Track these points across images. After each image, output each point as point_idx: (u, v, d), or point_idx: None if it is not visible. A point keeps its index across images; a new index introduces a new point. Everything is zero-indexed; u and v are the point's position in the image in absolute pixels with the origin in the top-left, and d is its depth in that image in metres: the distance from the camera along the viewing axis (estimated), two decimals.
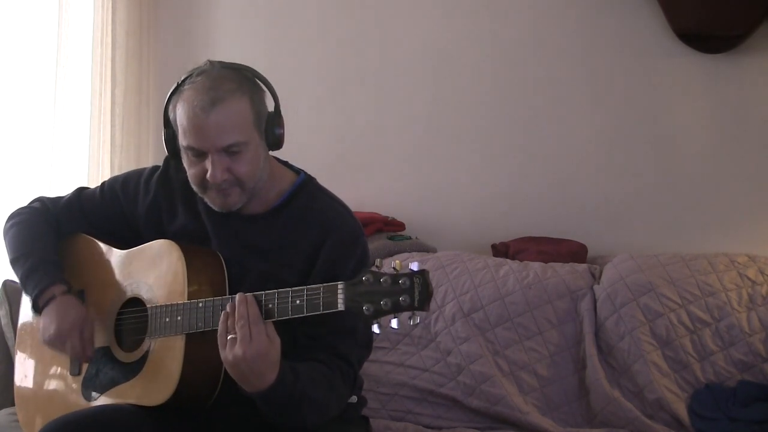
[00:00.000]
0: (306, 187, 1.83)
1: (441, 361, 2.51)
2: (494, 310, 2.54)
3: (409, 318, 1.45)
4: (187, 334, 1.67)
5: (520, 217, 2.94)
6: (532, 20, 2.95)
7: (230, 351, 1.53)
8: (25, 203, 2.00)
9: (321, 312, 1.52)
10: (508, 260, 2.71)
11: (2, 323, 2.50)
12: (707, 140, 2.82)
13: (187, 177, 1.78)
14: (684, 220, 2.83)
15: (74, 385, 1.85)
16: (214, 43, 3.19)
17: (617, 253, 2.68)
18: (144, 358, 1.74)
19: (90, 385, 1.82)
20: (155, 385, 1.70)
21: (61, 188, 2.05)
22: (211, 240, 1.81)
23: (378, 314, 1.45)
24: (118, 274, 1.84)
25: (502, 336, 2.52)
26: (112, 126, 2.98)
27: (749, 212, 2.77)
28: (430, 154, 3.04)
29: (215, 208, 1.76)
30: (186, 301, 1.68)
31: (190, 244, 1.79)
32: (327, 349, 1.67)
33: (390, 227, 2.92)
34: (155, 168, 1.92)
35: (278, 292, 1.56)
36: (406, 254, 2.75)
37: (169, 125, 1.75)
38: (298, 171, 1.87)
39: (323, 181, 1.88)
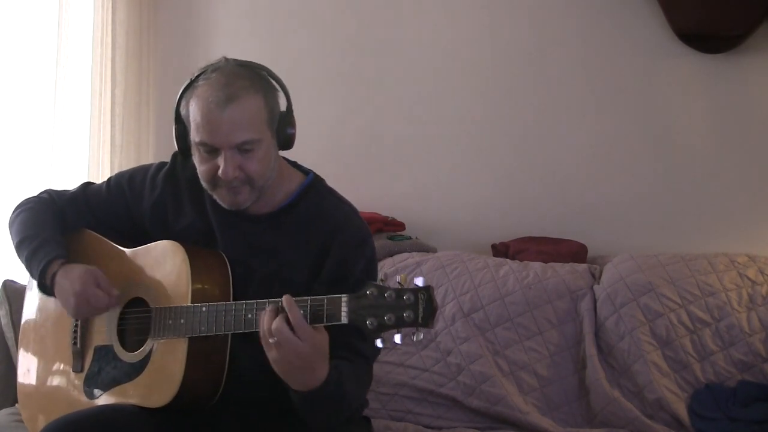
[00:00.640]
0: (314, 188, 1.83)
1: (441, 361, 2.51)
2: (494, 310, 2.54)
3: (413, 334, 1.45)
4: (189, 337, 1.66)
5: (520, 217, 2.94)
6: (533, 21, 2.95)
7: (279, 352, 1.50)
8: None
9: (324, 324, 1.51)
10: (508, 260, 2.71)
11: (2, 323, 2.50)
12: (707, 140, 2.82)
13: (194, 174, 1.78)
14: (684, 220, 2.83)
15: (76, 382, 1.85)
16: (214, 43, 3.18)
17: (617, 253, 2.68)
18: (147, 359, 1.73)
19: (92, 383, 1.82)
20: (157, 386, 1.70)
21: (61, 188, 2.04)
22: (216, 239, 1.80)
23: (381, 329, 1.44)
24: (122, 273, 1.84)
25: (502, 336, 2.52)
26: (112, 126, 2.98)
27: (749, 212, 2.78)
28: (431, 154, 3.04)
29: (224, 206, 1.75)
30: (190, 305, 1.68)
31: (196, 242, 1.78)
32: (345, 346, 1.66)
33: (390, 227, 2.92)
34: (162, 164, 1.91)
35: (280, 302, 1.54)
36: (406, 254, 2.75)
37: (180, 121, 1.74)
38: (306, 171, 1.87)
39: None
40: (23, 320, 2.01)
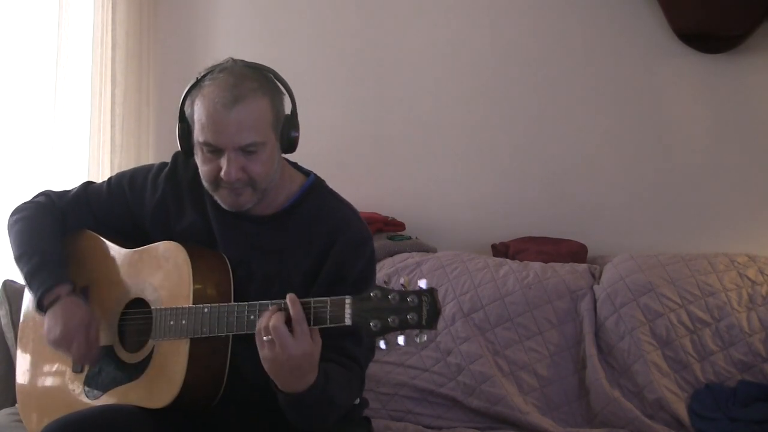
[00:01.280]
0: (315, 190, 1.83)
1: (441, 361, 2.51)
2: (494, 310, 2.54)
3: (416, 336, 1.45)
4: (191, 338, 1.66)
5: (520, 217, 2.94)
6: (533, 20, 2.95)
7: (270, 351, 1.50)
8: None
9: (328, 325, 1.51)
10: (508, 260, 2.71)
11: (2, 323, 2.50)
12: (707, 140, 2.82)
13: (195, 175, 1.78)
14: (684, 220, 2.83)
15: (76, 384, 1.85)
16: (214, 44, 3.18)
17: (617, 253, 2.68)
18: (147, 360, 1.73)
19: (92, 384, 1.82)
20: (158, 387, 1.70)
21: (62, 188, 2.03)
22: (217, 240, 1.80)
23: (385, 331, 1.45)
24: (123, 273, 1.84)
25: (502, 336, 2.53)
26: (112, 126, 2.98)
27: (749, 212, 2.78)
28: (431, 154, 3.04)
29: (225, 207, 1.74)
30: (191, 306, 1.68)
31: (197, 243, 1.78)
32: (337, 349, 1.66)
33: (390, 227, 2.92)
34: (163, 165, 1.90)
35: (285, 303, 1.54)
36: (406, 254, 2.75)
37: (184, 120, 1.74)
38: (307, 173, 1.86)
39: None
40: (22, 320, 2.01)
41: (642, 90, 2.86)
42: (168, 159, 1.91)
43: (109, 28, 2.95)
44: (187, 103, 1.72)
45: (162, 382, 1.69)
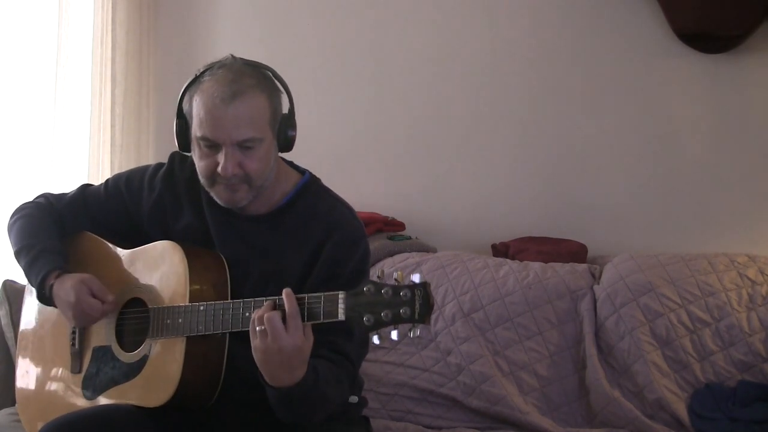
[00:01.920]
0: (310, 188, 1.83)
1: (441, 361, 2.51)
2: (494, 310, 2.54)
3: (410, 330, 1.45)
4: (187, 336, 1.67)
5: (520, 217, 2.94)
6: (532, 20, 2.94)
7: (262, 341, 1.51)
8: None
9: (321, 321, 1.51)
10: (508, 260, 2.70)
11: (2, 323, 2.50)
12: (707, 140, 2.82)
13: (192, 175, 1.78)
14: (684, 220, 2.83)
15: (75, 384, 1.85)
16: (214, 43, 3.18)
17: (617, 253, 2.68)
18: (144, 359, 1.74)
19: (90, 384, 1.82)
20: (155, 386, 1.70)
21: (61, 189, 2.04)
22: (214, 240, 1.80)
23: (378, 325, 1.45)
24: (120, 273, 1.84)
25: (502, 336, 2.52)
26: (112, 126, 2.98)
27: (749, 212, 2.77)
28: (430, 154, 3.04)
29: (221, 203, 1.75)
30: (188, 304, 1.68)
31: (194, 242, 1.79)
32: (327, 345, 1.66)
33: (390, 227, 2.92)
34: (160, 165, 1.91)
35: (280, 299, 1.55)
36: (406, 254, 2.75)
37: (182, 116, 1.74)
38: (302, 171, 1.87)
39: (323, 180, 1.88)
40: (21, 322, 2.02)
41: (642, 90, 2.86)
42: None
43: (109, 28, 2.96)
44: (186, 99, 1.73)
45: (158, 381, 1.70)
